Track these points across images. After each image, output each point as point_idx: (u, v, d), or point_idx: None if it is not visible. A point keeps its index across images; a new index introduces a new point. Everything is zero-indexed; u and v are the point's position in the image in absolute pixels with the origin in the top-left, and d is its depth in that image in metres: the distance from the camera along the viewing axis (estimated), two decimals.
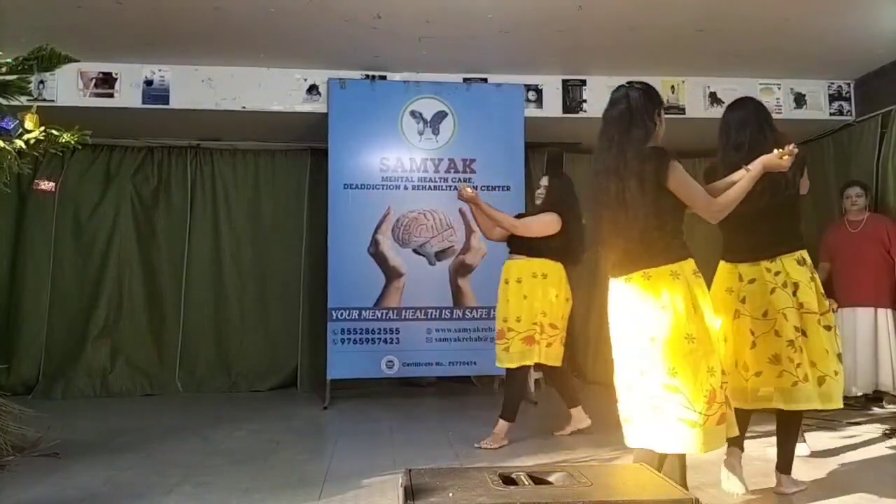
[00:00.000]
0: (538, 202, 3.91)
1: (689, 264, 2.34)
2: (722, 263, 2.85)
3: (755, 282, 2.70)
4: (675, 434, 2.24)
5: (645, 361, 2.30)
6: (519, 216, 3.90)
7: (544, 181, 3.94)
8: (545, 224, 3.73)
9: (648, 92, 2.44)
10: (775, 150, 2.45)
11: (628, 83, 2.48)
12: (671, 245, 2.35)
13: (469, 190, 3.64)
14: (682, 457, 2.35)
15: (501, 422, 3.69)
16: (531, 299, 3.70)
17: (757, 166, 2.45)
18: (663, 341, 2.26)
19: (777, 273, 2.67)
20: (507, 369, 3.80)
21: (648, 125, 2.39)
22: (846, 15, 4.31)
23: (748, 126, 2.72)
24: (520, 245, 3.80)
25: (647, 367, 2.29)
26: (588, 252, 3.81)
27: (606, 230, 2.39)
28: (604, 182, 2.36)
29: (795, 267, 2.68)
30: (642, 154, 2.32)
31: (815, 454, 3.42)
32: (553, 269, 3.76)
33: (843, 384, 2.68)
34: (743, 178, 2.44)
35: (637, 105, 2.39)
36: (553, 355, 3.77)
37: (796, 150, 2.45)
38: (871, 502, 2.69)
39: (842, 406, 2.70)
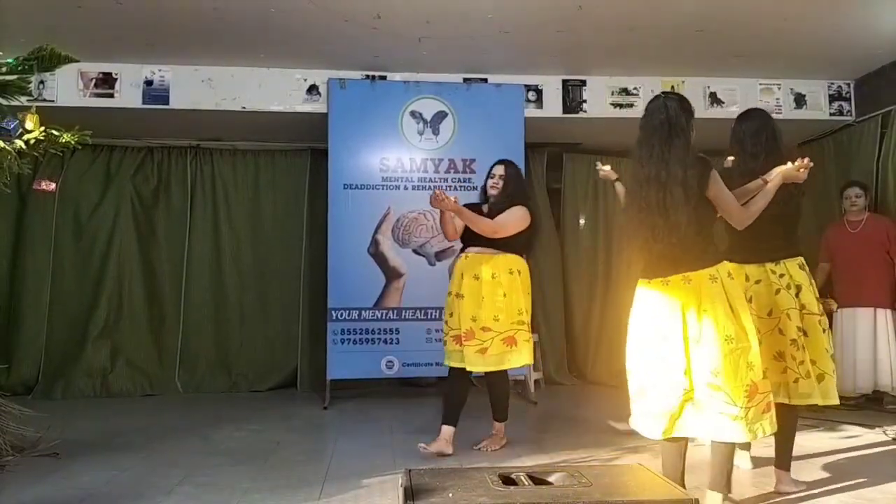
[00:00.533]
0: (493, 192, 3.64)
1: (725, 267, 2.47)
2: (726, 263, 2.90)
3: (761, 282, 2.82)
4: (720, 426, 2.37)
5: (688, 361, 2.39)
6: (472, 207, 3.62)
7: (500, 170, 3.66)
8: (519, 221, 3.55)
9: (683, 102, 2.56)
10: (789, 163, 2.61)
11: (663, 93, 2.60)
12: (707, 249, 2.48)
13: (450, 200, 3.34)
14: (730, 448, 2.47)
15: (497, 423, 3.66)
16: (511, 297, 3.48)
17: (777, 178, 2.61)
18: (706, 343, 2.37)
19: (781, 275, 2.80)
20: (488, 373, 3.56)
21: (687, 134, 2.49)
22: (846, 15, 4.32)
23: (762, 134, 2.86)
24: (486, 238, 3.52)
25: (688, 366, 2.39)
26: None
27: (644, 236, 2.47)
28: (645, 189, 2.45)
29: (797, 271, 2.82)
30: (685, 163, 2.42)
31: (814, 454, 3.42)
32: (524, 265, 3.61)
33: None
34: (766, 189, 2.60)
35: (675, 115, 2.49)
36: (531, 353, 3.60)
37: (811, 164, 2.62)
38: (871, 503, 2.70)
39: (838, 402, 2.84)
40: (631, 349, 2.55)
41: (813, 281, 2.86)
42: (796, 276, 2.80)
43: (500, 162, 3.72)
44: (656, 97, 2.58)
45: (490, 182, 3.67)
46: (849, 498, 2.73)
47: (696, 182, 2.41)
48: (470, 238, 3.59)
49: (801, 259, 2.85)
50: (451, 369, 3.57)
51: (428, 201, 3.50)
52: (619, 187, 3.78)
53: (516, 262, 3.56)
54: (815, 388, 2.73)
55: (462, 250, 3.66)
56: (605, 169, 3.82)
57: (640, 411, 2.51)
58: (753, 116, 2.94)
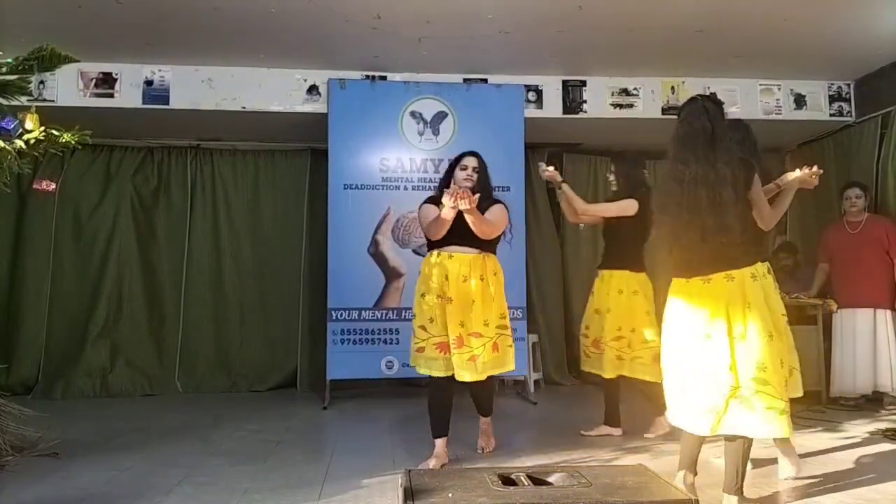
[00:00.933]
0: (467, 185, 3.28)
1: (762, 266, 2.56)
2: (760, 263, 3.06)
3: None
4: (768, 421, 2.41)
5: (733, 357, 2.45)
6: (431, 201, 3.35)
7: (473, 162, 3.38)
8: (505, 219, 3.37)
9: (719, 106, 2.63)
10: (797, 170, 2.71)
11: (699, 96, 2.69)
12: (749, 249, 2.55)
13: (473, 199, 3.02)
14: (747, 448, 2.51)
15: (487, 419, 3.55)
16: (498, 300, 3.30)
17: (793, 183, 2.72)
18: (751, 339, 2.44)
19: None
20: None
21: (727, 136, 2.57)
22: (846, 16, 4.32)
23: (746, 143, 2.98)
24: (473, 237, 3.22)
25: (733, 362, 2.44)
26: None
27: (693, 236, 2.50)
28: (691, 190, 2.49)
29: (766, 274, 2.93)
30: (732, 163, 2.50)
31: (814, 454, 3.42)
32: (500, 267, 3.41)
33: None
34: (788, 191, 2.72)
35: (716, 117, 2.56)
36: (513, 358, 3.40)
37: (821, 171, 2.72)
38: (870, 503, 2.70)
39: (802, 394, 2.94)
40: (670, 348, 2.59)
41: (776, 283, 2.98)
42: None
43: (471, 154, 3.44)
44: (693, 100, 2.65)
45: (463, 175, 3.35)
46: (848, 498, 2.73)
47: (743, 184, 2.50)
48: (452, 236, 3.25)
49: (767, 264, 2.98)
50: (435, 378, 3.29)
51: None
52: (567, 189, 3.79)
53: (497, 263, 3.39)
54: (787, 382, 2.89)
55: (433, 249, 3.32)
56: (550, 170, 3.78)
57: (685, 408, 2.53)
58: (739, 126, 3.05)
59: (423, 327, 3.28)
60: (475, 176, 3.35)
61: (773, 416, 2.40)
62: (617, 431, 3.88)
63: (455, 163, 3.44)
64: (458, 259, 3.26)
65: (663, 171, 2.67)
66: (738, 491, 2.49)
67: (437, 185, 4.95)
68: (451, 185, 3.28)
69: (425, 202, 3.40)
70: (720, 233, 2.45)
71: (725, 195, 2.44)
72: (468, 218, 3.15)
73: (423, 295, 3.29)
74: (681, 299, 2.56)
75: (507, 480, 2.07)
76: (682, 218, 2.50)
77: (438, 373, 3.25)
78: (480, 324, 3.22)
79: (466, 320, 3.21)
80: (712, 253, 2.48)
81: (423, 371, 3.32)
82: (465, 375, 3.20)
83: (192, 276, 5.86)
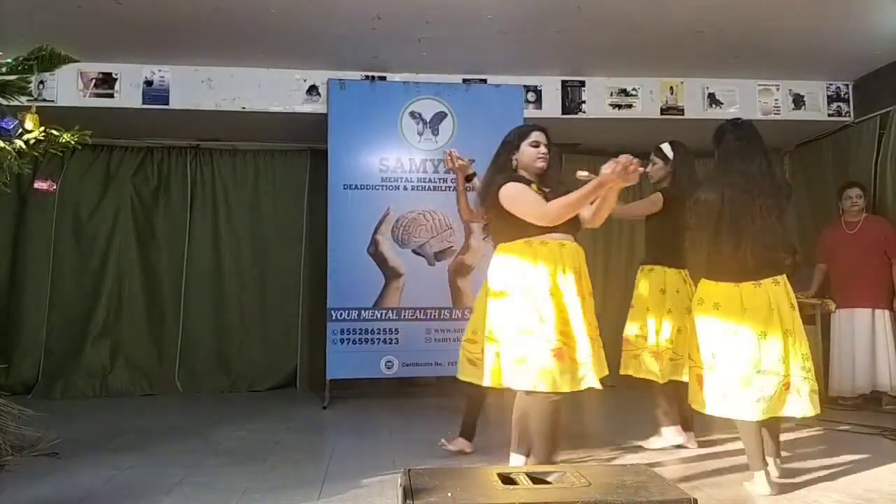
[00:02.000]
0: (542, 165, 2.81)
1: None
2: (653, 266, 3.64)
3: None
4: (812, 402, 2.77)
5: (785, 350, 2.75)
6: (520, 179, 2.79)
7: (543, 138, 2.82)
8: None
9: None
10: None
11: (739, 119, 3.03)
12: (785, 258, 2.91)
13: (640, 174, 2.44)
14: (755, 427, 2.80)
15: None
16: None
17: None
18: (798, 333, 2.79)
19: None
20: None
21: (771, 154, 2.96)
22: (845, 16, 4.32)
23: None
24: (571, 224, 2.74)
25: (785, 354, 2.75)
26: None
27: (757, 242, 2.77)
28: (764, 200, 2.79)
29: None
30: (782, 178, 3.06)
31: (813, 454, 3.43)
32: None
33: None
34: None
35: (762, 137, 2.91)
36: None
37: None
38: (868, 503, 2.70)
39: None
40: (723, 348, 2.79)
41: None
42: None
43: (540, 129, 2.84)
44: (744, 122, 2.97)
45: (535, 153, 2.78)
46: (846, 498, 2.74)
47: (789, 198, 2.90)
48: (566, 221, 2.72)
49: None
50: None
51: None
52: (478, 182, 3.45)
53: None
54: None
55: (526, 237, 2.69)
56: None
57: (741, 399, 2.72)
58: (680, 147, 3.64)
59: (528, 332, 2.59)
60: (548, 156, 2.80)
61: (815, 398, 2.77)
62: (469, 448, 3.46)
63: (519, 139, 2.83)
64: (571, 249, 2.70)
65: (715, 186, 2.86)
66: (763, 465, 2.76)
67: (435, 185, 4.96)
68: (526, 162, 2.80)
69: (509, 182, 2.72)
70: (784, 239, 2.81)
71: (786, 206, 2.83)
72: (609, 199, 2.62)
73: (528, 294, 2.61)
74: (732, 302, 2.79)
75: (507, 480, 2.07)
76: (755, 226, 2.76)
77: (564, 388, 2.57)
78: (593, 323, 2.73)
79: (569, 318, 2.63)
80: (767, 260, 2.78)
81: (559, 388, 2.57)
82: (596, 382, 2.62)
83: (191, 276, 5.87)
